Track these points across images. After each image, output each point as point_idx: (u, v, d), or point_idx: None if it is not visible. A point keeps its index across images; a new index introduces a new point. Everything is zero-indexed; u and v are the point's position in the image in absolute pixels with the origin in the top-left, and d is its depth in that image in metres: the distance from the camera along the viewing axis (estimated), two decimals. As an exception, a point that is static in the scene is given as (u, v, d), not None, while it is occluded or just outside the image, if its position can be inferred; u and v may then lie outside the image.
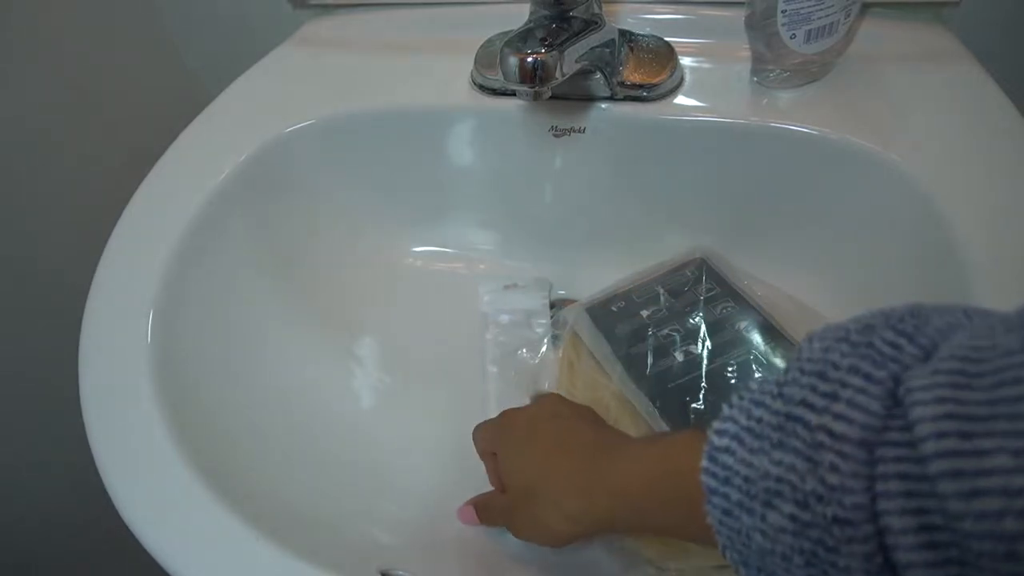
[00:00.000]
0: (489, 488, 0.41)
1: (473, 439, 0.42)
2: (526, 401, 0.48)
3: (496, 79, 0.51)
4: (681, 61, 0.51)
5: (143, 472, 0.36)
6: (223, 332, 0.46)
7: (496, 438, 0.41)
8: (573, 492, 0.34)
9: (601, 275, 0.52)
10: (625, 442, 0.36)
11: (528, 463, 0.37)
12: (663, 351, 0.46)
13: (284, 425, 0.45)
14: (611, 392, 0.46)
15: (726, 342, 0.46)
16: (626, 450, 0.34)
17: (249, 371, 0.46)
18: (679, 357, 0.46)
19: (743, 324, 0.47)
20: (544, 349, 0.51)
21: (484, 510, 0.40)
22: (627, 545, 0.40)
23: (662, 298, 0.49)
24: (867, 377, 0.22)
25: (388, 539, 0.42)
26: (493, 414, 0.42)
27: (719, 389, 0.44)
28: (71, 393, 0.39)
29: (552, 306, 0.54)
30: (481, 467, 0.42)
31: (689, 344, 0.46)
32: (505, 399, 0.48)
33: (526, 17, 0.45)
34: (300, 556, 0.32)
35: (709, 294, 0.49)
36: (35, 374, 0.59)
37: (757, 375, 0.44)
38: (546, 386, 0.50)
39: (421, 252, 0.57)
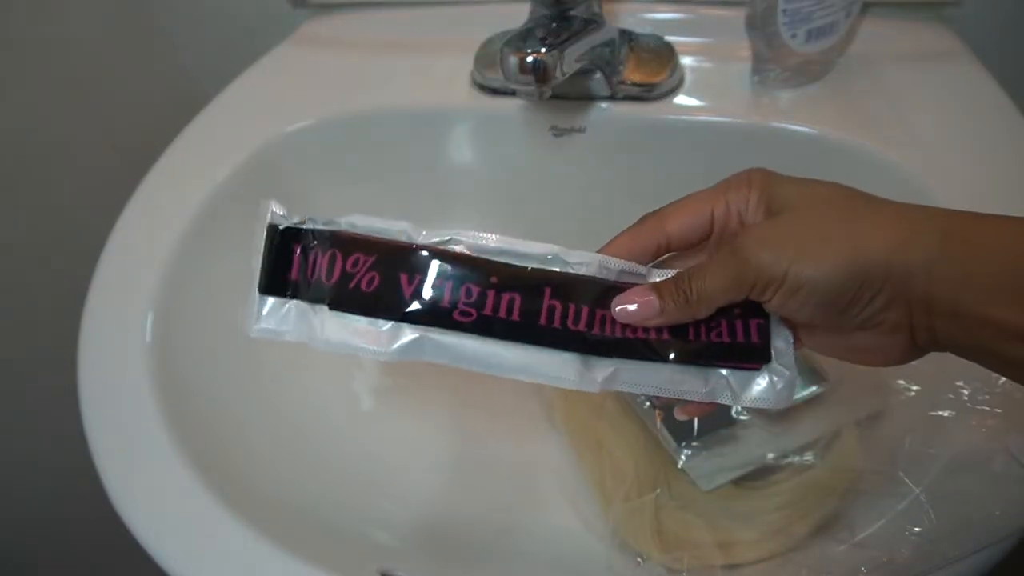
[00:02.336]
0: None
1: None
2: (526, 399, 0.48)
3: (496, 79, 0.51)
4: (681, 61, 0.51)
5: (142, 472, 0.36)
6: (223, 332, 0.46)
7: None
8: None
9: (601, 275, 0.52)
10: None
11: None
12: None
13: (284, 425, 0.45)
14: (611, 395, 0.46)
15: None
16: None
17: (249, 371, 0.46)
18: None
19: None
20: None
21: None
22: (629, 544, 0.40)
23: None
24: None
25: (388, 539, 0.42)
26: (492, 413, 0.42)
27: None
28: (71, 393, 0.39)
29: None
30: (481, 471, 0.42)
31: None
32: (505, 398, 0.48)
33: (526, 17, 0.45)
34: (300, 556, 0.32)
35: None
36: (35, 374, 0.59)
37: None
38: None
39: (421, 252, 0.57)
